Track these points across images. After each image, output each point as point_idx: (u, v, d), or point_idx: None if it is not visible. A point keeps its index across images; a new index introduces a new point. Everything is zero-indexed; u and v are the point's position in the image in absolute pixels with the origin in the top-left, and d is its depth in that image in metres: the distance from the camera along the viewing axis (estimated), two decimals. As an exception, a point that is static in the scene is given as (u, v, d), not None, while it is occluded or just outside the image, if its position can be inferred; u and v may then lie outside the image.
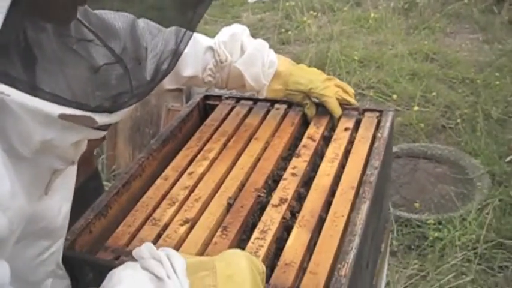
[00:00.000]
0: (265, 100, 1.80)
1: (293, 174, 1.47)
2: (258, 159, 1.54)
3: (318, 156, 1.58)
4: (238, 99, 1.84)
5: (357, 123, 1.66)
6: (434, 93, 4.30)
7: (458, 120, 4.04)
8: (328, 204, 1.35)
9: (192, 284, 0.89)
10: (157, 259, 0.93)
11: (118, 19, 1.13)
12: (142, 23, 1.19)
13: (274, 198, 1.38)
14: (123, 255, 1.28)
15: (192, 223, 1.33)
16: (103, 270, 1.27)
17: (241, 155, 1.56)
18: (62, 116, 0.87)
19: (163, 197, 1.43)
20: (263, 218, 1.32)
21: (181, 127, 1.74)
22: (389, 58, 4.88)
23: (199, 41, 1.62)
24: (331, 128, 1.69)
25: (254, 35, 1.71)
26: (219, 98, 1.87)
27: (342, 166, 1.48)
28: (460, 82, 4.61)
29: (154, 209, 1.40)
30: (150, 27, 1.18)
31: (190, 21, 1.03)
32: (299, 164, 1.50)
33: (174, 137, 1.69)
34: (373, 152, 1.51)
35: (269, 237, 1.26)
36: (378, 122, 1.64)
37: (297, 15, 5.70)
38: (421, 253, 3.05)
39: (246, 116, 1.75)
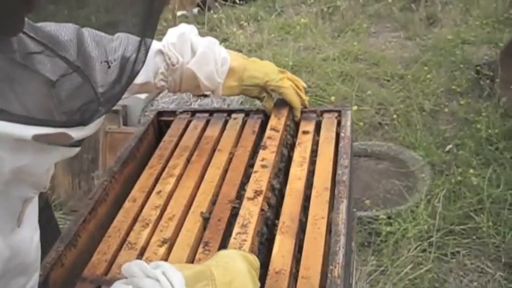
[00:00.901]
0: (221, 110, 1.77)
1: (263, 166, 1.45)
2: (225, 171, 1.51)
3: (284, 147, 1.58)
4: (193, 113, 1.81)
5: (318, 125, 1.66)
6: (369, 92, 4.40)
7: (394, 116, 4.15)
8: (305, 208, 1.34)
9: None
10: (152, 277, 0.87)
11: (62, 30, 1.07)
12: (85, 31, 1.12)
13: (249, 192, 1.36)
14: (104, 284, 1.22)
15: (171, 243, 1.29)
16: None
17: (208, 168, 1.53)
18: (36, 137, 0.80)
19: (135, 220, 1.38)
20: (241, 212, 1.30)
21: (139, 146, 1.69)
22: (319, 62, 4.96)
23: None
24: (292, 118, 1.69)
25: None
26: (173, 113, 1.83)
27: (311, 169, 1.48)
28: (390, 79, 4.74)
29: (127, 233, 1.34)
30: (93, 35, 1.11)
31: (149, 25, 0.98)
32: (267, 156, 1.49)
33: (133, 157, 1.64)
34: (340, 151, 1.51)
35: (251, 231, 1.24)
36: (338, 122, 1.65)
37: (223, 27, 5.70)
38: (376, 249, 3.10)
39: (204, 129, 1.72)
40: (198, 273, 0.89)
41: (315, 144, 1.58)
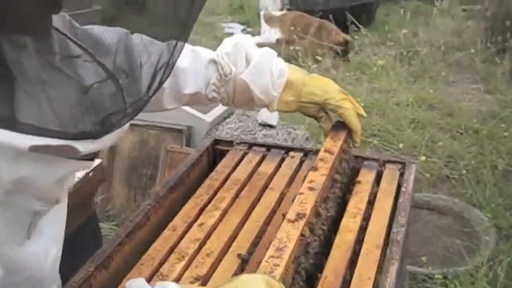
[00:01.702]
0: (280, 147, 1.70)
1: (310, 189, 1.32)
2: (273, 212, 1.44)
3: (337, 173, 1.47)
4: (250, 146, 1.75)
5: (378, 176, 1.57)
6: (440, 143, 4.23)
7: (463, 171, 3.96)
8: (352, 264, 1.24)
9: None
10: None
11: (107, 33, 1.02)
12: (136, 38, 1.07)
13: (290, 213, 1.23)
14: None
15: (204, 280, 1.22)
16: None
17: (256, 206, 1.45)
18: (33, 148, 0.76)
19: (171, 250, 1.32)
20: (278, 234, 1.17)
21: (190, 173, 1.64)
22: (392, 106, 4.83)
23: (200, 54, 1.46)
24: (348, 144, 1.57)
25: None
26: (230, 143, 1.77)
27: (364, 222, 1.38)
28: (463, 132, 4.55)
29: (161, 264, 1.28)
30: (145, 41, 1.06)
31: (183, 29, 0.93)
32: (316, 178, 1.36)
33: (182, 183, 1.59)
34: (399, 207, 1.40)
35: (286, 256, 1.11)
36: (401, 174, 1.55)
37: (299, 60, 5.66)
38: (429, 309, 2.92)
39: (259, 164, 1.65)
40: None
41: (373, 195, 1.48)
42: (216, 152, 1.78)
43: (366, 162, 1.61)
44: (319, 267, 1.25)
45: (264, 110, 4.05)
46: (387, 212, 1.40)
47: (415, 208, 3.70)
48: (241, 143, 1.76)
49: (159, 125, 3.77)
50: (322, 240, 1.31)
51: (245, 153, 1.71)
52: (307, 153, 1.67)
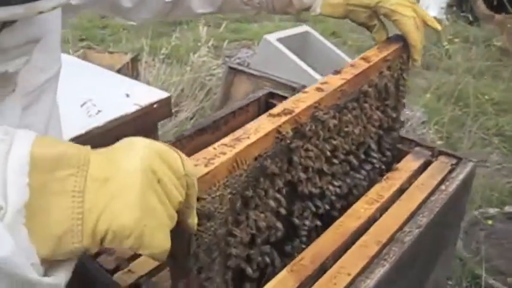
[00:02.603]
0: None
1: (318, 89, 1.09)
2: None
3: (369, 86, 1.21)
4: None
5: (425, 166, 1.34)
6: None
7: None
8: (339, 254, 1.06)
9: (41, 187, 0.60)
10: None
11: None
12: None
13: (275, 109, 1.01)
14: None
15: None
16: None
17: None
18: None
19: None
20: (248, 125, 0.96)
21: (229, 119, 1.51)
22: None
23: None
24: (401, 61, 1.31)
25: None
26: (284, 98, 1.62)
27: (380, 212, 1.18)
28: None
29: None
30: None
31: None
32: (331, 80, 1.13)
33: (215, 128, 1.47)
34: (426, 205, 1.19)
35: (240, 147, 0.89)
36: (450, 172, 1.31)
37: (442, 41, 5.20)
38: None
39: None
40: (64, 157, 0.62)
41: (407, 185, 1.27)
42: (269, 106, 1.64)
43: (417, 149, 1.39)
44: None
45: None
46: (412, 207, 1.18)
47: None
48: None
49: (274, 79, 3.68)
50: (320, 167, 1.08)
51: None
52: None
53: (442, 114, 3.54)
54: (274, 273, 1.01)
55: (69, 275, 0.65)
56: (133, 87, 2.18)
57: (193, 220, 0.72)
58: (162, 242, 0.65)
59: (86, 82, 2.10)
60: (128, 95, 2.01)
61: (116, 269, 1.08)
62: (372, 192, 1.23)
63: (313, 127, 1.04)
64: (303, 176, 1.03)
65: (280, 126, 0.96)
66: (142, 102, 1.96)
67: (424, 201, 1.20)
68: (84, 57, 4.10)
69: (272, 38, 3.84)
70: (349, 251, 1.06)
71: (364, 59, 1.22)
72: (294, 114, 1.00)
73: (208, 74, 4.14)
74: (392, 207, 1.19)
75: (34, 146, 0.60)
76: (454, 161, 1.34)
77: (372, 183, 1.27)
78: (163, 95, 2.05)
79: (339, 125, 1.12)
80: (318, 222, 1.12)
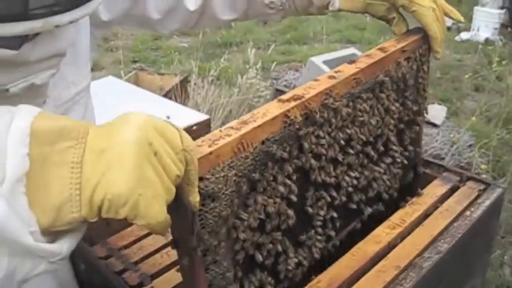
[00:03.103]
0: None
1: (331, 77, 1.08)
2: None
3: (385, 75, 1.18)
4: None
5: (452, 191, 1.33)
6: None
7: None
8: (357, 278, 1.07)
9: (42, 159, 0.62)
10: None
11: None
12: None
13: (286, 95, 1.00)
14: (115, 257, 1.16)
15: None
16: (93, 265, 1.17)
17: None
18: None
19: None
20: (256, 110, 0.96)
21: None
22: None
23: None
24: (421, 53, 1.28)
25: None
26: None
27: (401, 237, 1.18)
28: None
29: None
30: None
31: None
32: (345, 69, 1.12)
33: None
34: (449, 231, 1.18)
35: (245, 130, 0.89)
36: (477, 197, 1.30)
37: (493, 62, 5.09)
38: None
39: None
40: (64, 130, 0.65)
41: (431, 211, 1.27)
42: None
43: (445, 174, 1.38)
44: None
45: (430, 108, 3.76)
46: (433, 233, 1.18)
47: None
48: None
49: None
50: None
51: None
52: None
53: (490, 138, 3.48)
54: (286, 263, 1.01)
55: (72, 246, 0.67)
56: (174, 109, 2.25)
57: (194, 198, 0.73)
58: (158, 212, 0.65)
59: (132, 104, 2.19)
60: (168, 117, 2.08)
61: (140, 286, 1.13)
62: (395, 217, 1.23)
63: (325, 114, 1.03)
64: (315, 163, 1.02)
65: (288, 111, 0.96)
66: (182, 124, 2.02)
67: (447, 227, 1.20)
68: (136, 79, 4.23)
69: (318, 60, 3.87)
70: (366, 276, 1.07)
71: (381, 49, 1.21)
72: (303, 99, 0.99)
73: (256, 95, 4.19)
74: (413, 233, 1.19)
75: (36, 119, 0.63)
76: (482, 187, 1.33)
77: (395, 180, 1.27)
78: (203, 117, 2.12)
79: (353, 114, 1.10)
80: (334, 214, 1.09)
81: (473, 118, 3.58)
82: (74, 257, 1.19)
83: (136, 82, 4.14)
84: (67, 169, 0.63)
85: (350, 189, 1.12)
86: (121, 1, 1.19)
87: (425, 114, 1.36)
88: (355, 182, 1.13)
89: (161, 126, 0.67)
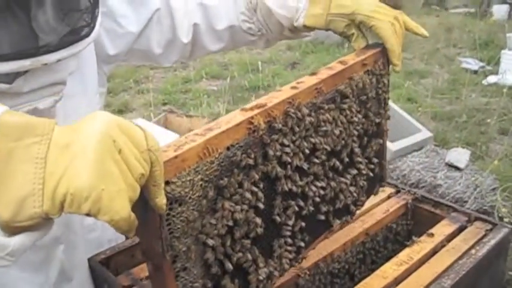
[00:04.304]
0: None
1: (293, 88, 1.12)
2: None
3: (345, 86, 1.22)
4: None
5: (459, 231, 1.38)
6: None
7: None
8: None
9: (8, 155, 0.65)
10: None
11: None
12: None
13: (249, 105, 1.04)
14: (137, 286, 1.26)
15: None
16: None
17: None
18: None
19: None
20: (221, 118, 1.00)
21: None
22: None
23: None
24: (380, 66, 1.32)
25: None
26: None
27: (408, 274, 1.24)
28: None
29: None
30: None
31: None
32: (307, 79, 1.16)
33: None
34: (453, 268, 1.23)
35: (210, 135, 0.92)
36: (483, 237, 1.34)
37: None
38: None
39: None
40: (30, 126, 0.67)
41: (438, 249, 1.32)
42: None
43: (453, 214, 1.44)
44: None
45: (454, 151, 3.78)
46: (438, 270, 1.23)
47: None
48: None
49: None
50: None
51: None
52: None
53: (513, 181, 3.48)
54: (257, 273, 1.02)
55: (25, 244, 0.67)
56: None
57: (161, 200, 0.75)
58: (121, 207, 0.67)
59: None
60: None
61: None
62: (403, 254, 1.29)
63: (288, 122, 1.06)
64: (280, 171, 1.04)
65: (252, 117, 0.99)
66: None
67: (452, 265, 1.25)
68: (165, 120, 4.36)
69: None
70: (369, 310, 1.13)
71: (341, 62, 1.26)
72: (266, 107, 1.02)
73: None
74: (419, 269, 1.24)
75: (3, 114, 0.66)
76: (489, 227, 1.38)
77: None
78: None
79: (316, 123, 1.13)
80: (303, 224, 1.13)
81: (496, 162, 3.59)
82: (101, 285, 1.29)
83: (166, 124, 4.27)
84: (31, 164, 0.65)
85: (317, 199, 1.16)
86: (126, 36, 1.31)
87: (387, 127, 1.41)
88: (321, 192, 1.17)
89: (126, 125, 0.70)
